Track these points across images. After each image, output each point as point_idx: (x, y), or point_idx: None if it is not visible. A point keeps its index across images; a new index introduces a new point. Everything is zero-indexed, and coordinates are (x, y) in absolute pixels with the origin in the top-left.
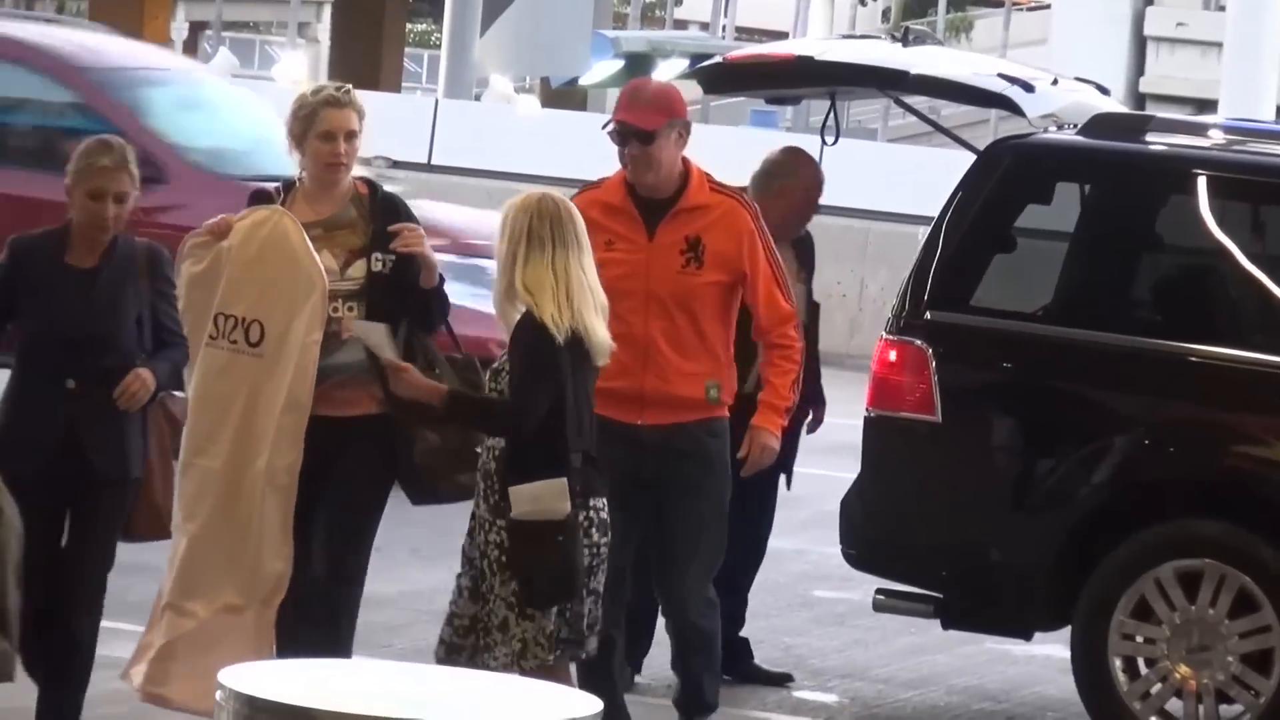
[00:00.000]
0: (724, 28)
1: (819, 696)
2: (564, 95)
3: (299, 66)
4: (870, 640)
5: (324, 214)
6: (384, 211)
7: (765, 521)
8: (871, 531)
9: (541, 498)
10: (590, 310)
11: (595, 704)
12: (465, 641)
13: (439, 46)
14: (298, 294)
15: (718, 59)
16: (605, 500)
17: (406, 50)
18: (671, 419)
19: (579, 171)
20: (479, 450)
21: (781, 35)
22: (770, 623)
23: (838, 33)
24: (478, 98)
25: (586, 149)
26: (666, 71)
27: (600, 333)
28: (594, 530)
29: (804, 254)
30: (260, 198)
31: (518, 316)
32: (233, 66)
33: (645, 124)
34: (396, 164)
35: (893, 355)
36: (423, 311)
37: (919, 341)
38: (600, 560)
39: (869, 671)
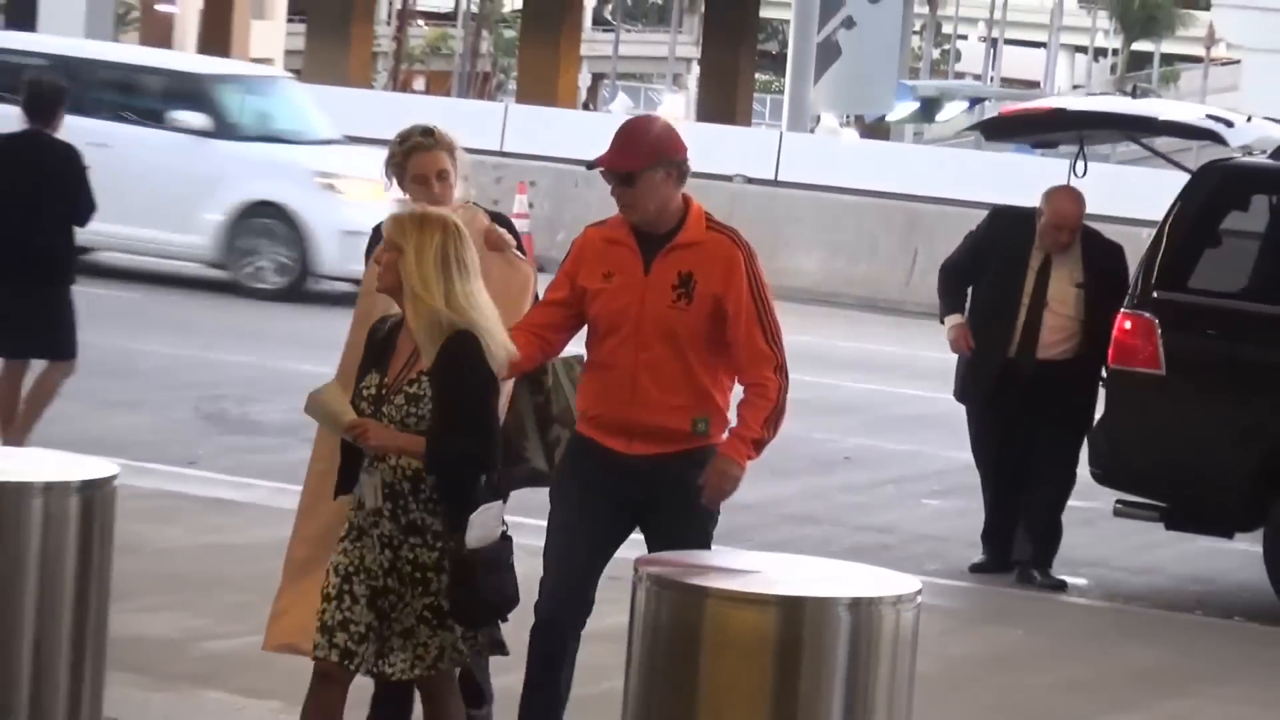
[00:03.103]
0: (992, 77)
1: (1074, 580)
2: (875, 128)
3: (677, 107)
4: (1111, 537)
5: None
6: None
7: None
8: (1113, 457)
9: (487, 524)
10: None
11: (914, 583)
12: (360, 649)
13: (779, 92)
14: (512, 290)
15: (995, 114)
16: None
17: (755, 95)
18: (657, 449)
19: (880, 184)
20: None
21: (1035, 83)
22: None
23: (1074, 81)
24: (812, 130)
25: (890, 168)
26: (950, 111)
27: (511, 347)
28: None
29: None
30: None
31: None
32: (629, 108)
33: (624, 165)
34: (750, 180)
35: (1128, 324)
36: None
37: (1148, 314)
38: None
39: (1110, 561)
